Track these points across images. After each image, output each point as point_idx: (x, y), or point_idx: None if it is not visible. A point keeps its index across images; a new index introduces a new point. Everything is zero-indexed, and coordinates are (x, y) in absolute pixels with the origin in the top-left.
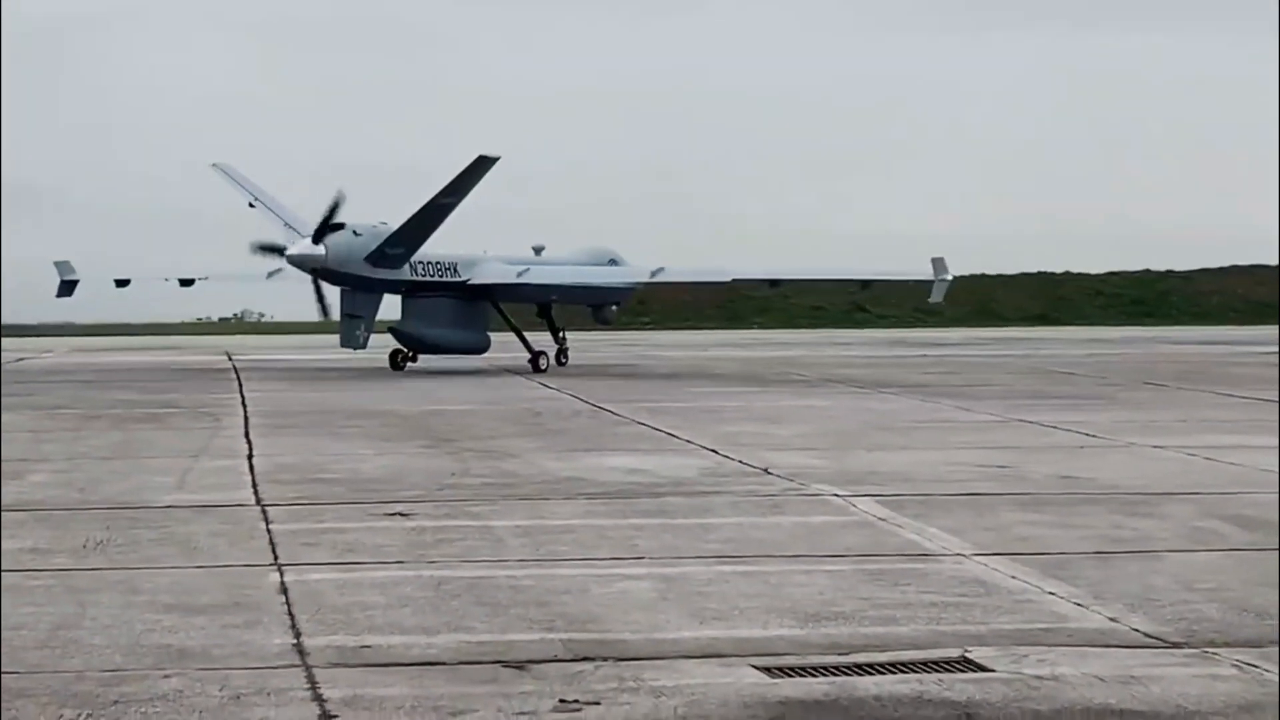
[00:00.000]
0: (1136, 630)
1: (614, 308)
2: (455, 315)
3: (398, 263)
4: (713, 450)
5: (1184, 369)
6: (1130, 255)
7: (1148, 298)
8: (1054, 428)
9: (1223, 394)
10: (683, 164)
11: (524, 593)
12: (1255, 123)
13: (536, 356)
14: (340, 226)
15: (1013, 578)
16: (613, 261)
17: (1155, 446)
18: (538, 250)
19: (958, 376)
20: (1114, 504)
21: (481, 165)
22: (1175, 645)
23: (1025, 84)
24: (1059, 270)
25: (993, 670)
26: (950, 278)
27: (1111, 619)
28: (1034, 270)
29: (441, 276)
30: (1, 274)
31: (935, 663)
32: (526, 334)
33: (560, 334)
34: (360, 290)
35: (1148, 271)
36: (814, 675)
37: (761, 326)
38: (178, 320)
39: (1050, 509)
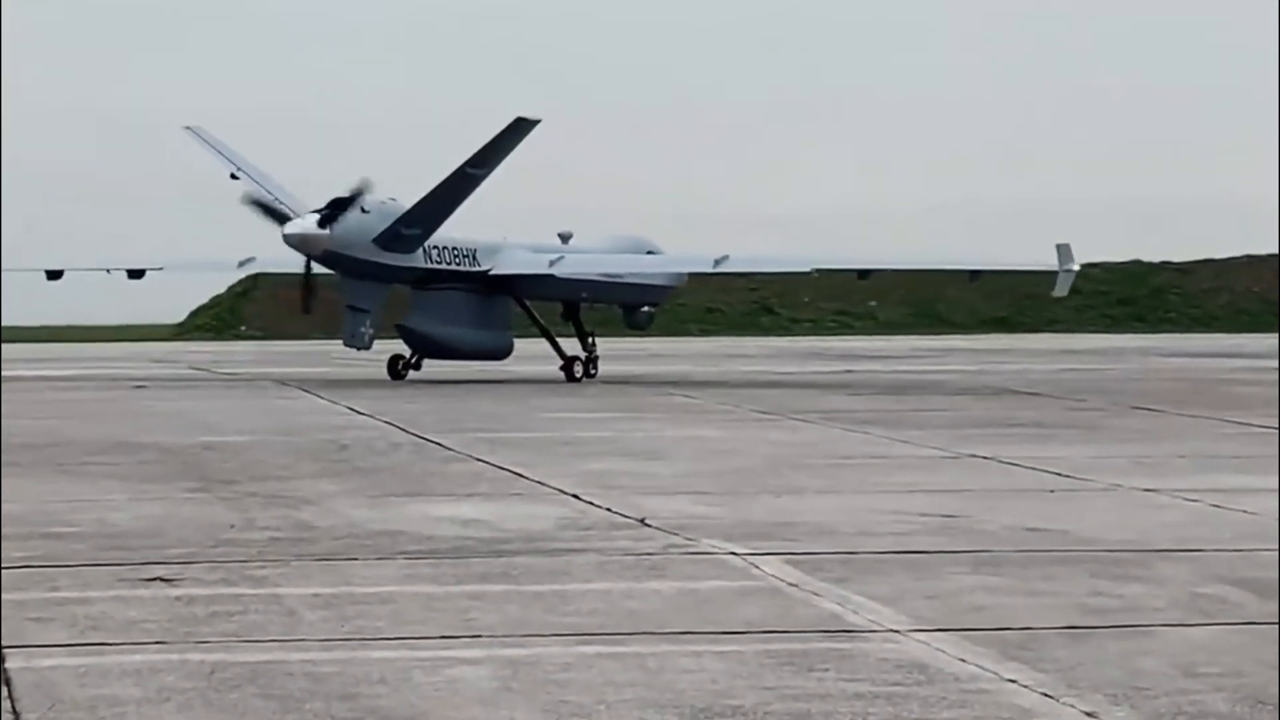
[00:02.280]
0: None
1: (651, 309)
2: (474, 312)
3: (412, 246)
4: (573, 495)
5: (1183, 389)
6: (1115, 241)
7: (1137, 296)
8: (1016, 465)
9: (1232, 421)
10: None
11: (325, 682)
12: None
13: (570, 363)
14: (346, 203)
15: (961, 660)
16: (650, 252)
17: (1146, 490)
18: (564, 238)
19: (893, 398)
20: (1093, 564)
21: (519, 128)
22: None
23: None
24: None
25: None
26: (1077, 267)
27: (1089, 713)
28: None
29: (458, 265)
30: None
31: None
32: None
33: (590, 339)
34: (367, 278)
35: (1137, 262)
36: None
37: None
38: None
39: (1011, 571)
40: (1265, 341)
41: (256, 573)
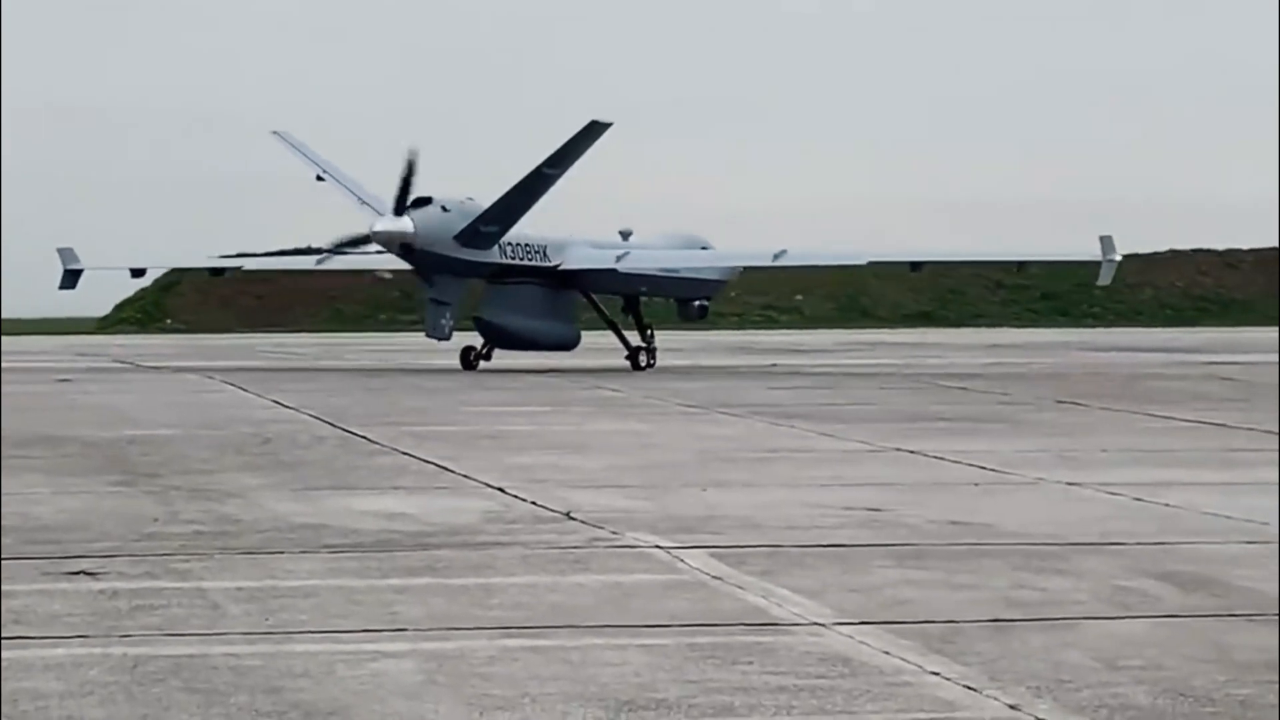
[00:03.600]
0: None
1: (705, 302)
2: (545, 305)
3: (489, 242)
4: (498, 488)
5: (1107, 383)
6: (1041, 234)
7: (1061, 291)
8: (941, 459)
9: (1156, 416)
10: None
11: (248, 676)
12: (1201, 62)
13: (636, 353)
14: (427, 201)
15: (886, 653)
16: (702, 248)
17: (1070, 484)
18: (625, 235)
19: (818, 393)
20: (1017, 557)
21: (592, 131)
22: None
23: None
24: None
25: None
26: (1119, 258)
27: (1012, 706)
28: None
29: (530, 260)
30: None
31: None
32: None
33: (649, 331)
34: (448, 273)
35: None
36: None
37: None
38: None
39: (936, 564)
40: (1192, 336)
41: (180, 566)
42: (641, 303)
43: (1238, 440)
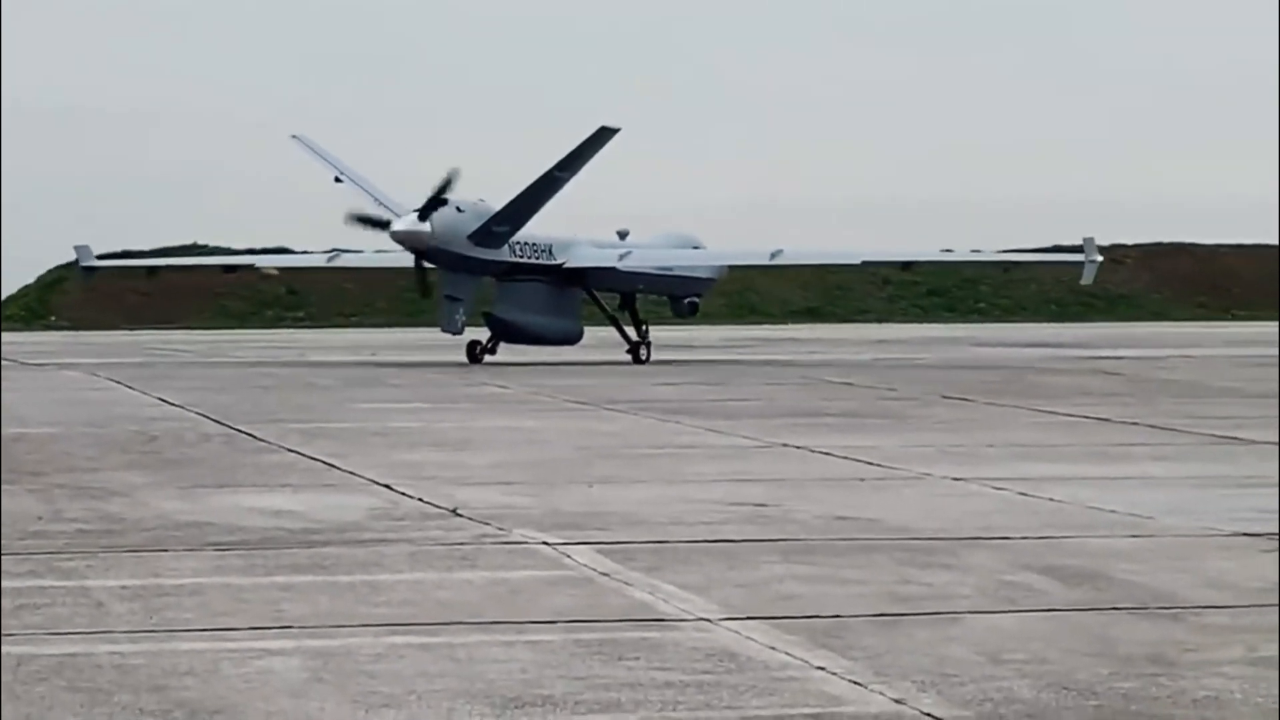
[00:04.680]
0: (928, 714)
1: (696, 299)
2: (551, 302)
3: (500, 242)
4: (385, 485)
5: (992, 379)
6: (926, 233)
7: (947, 287)
8: (828, 454)
9: (1041, 411)
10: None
11: (132, 674)
12: (1097, 63)
13: (636, 347)
14: (443, 203)
15: (771, 648)
16: (695, 247)
17: (955, 479)
18: (622, 235)
19: (704, 388)
20: (902, 552)
21: (602, 136)
22: None
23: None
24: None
25: None
26: (1100, 259)
27: (897, 700)
28: None
29: (538, 259)
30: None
31: None
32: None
33: (644, 327)
34: (462, 271)
35: (949, 252)
36: None
37: None
38: None
39: (821, 559)
40: (1076, 331)
41: (64, 564)
42: (637, 299)
43: (1121, 435)
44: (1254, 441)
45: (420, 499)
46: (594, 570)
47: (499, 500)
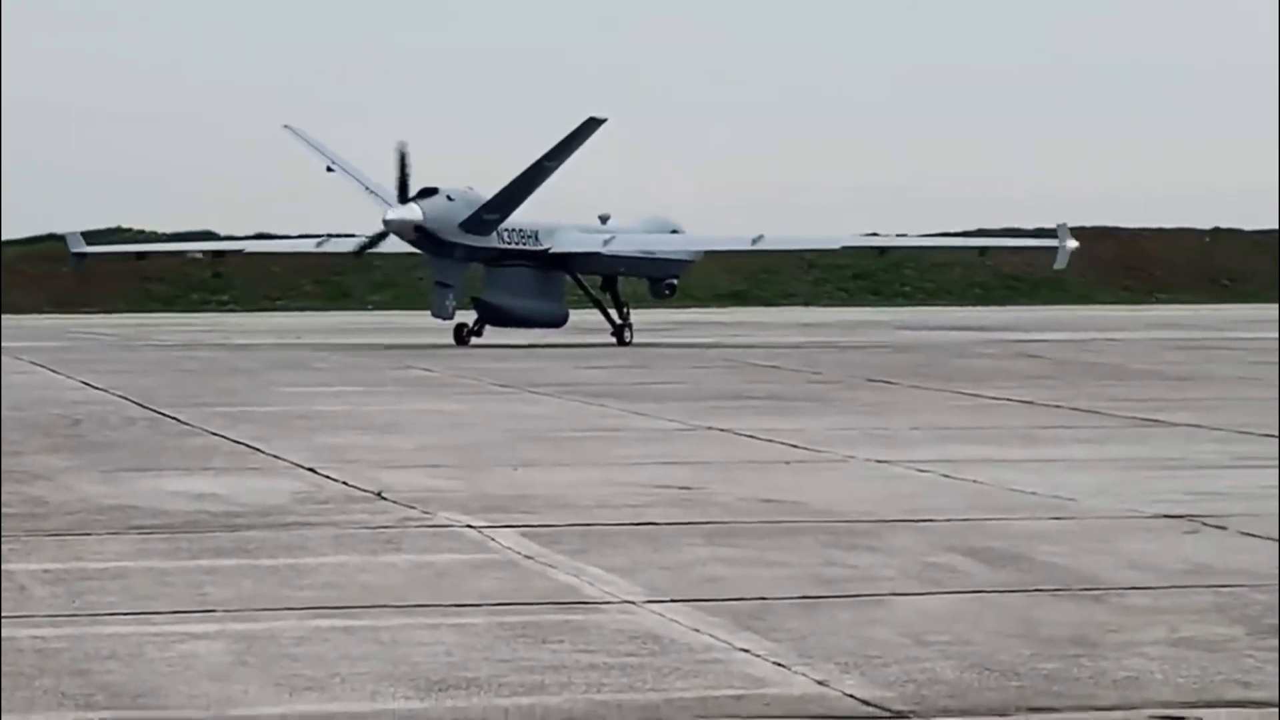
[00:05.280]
0: (851, 696)
1: (674, 280)
2: (537, 286)
3: (490, 229)
4: (309, 469)
5: (917, 361)
6: (852, 217)
7: (872, 271)
8: (752, 437)
9: (965, 394)
10: None
11: (54, 658)
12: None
13: (620, 329)
14: (434, 191)
15: (695, 631)
16: (674, 231)
17: (880, 461)
18: (604, 219)
19: (630, 372)
20: (827, 535)
21: (589, 127)
22: (899, 715)
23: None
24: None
25: None
26: (1075, 244)
27: (820, 682)
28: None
29: (525, 245)
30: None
31: None
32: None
33: (625, 309)
34: (453, 258)
35: (874, 235)
36: None
37: (378, 307)
38: None
39: (746, 542)
40: (1000, 314)
41: None
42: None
43: (1045, 417)
44: (1176, 424)
45: (345, 482)
46: (519, 553)
47: (424, 483)
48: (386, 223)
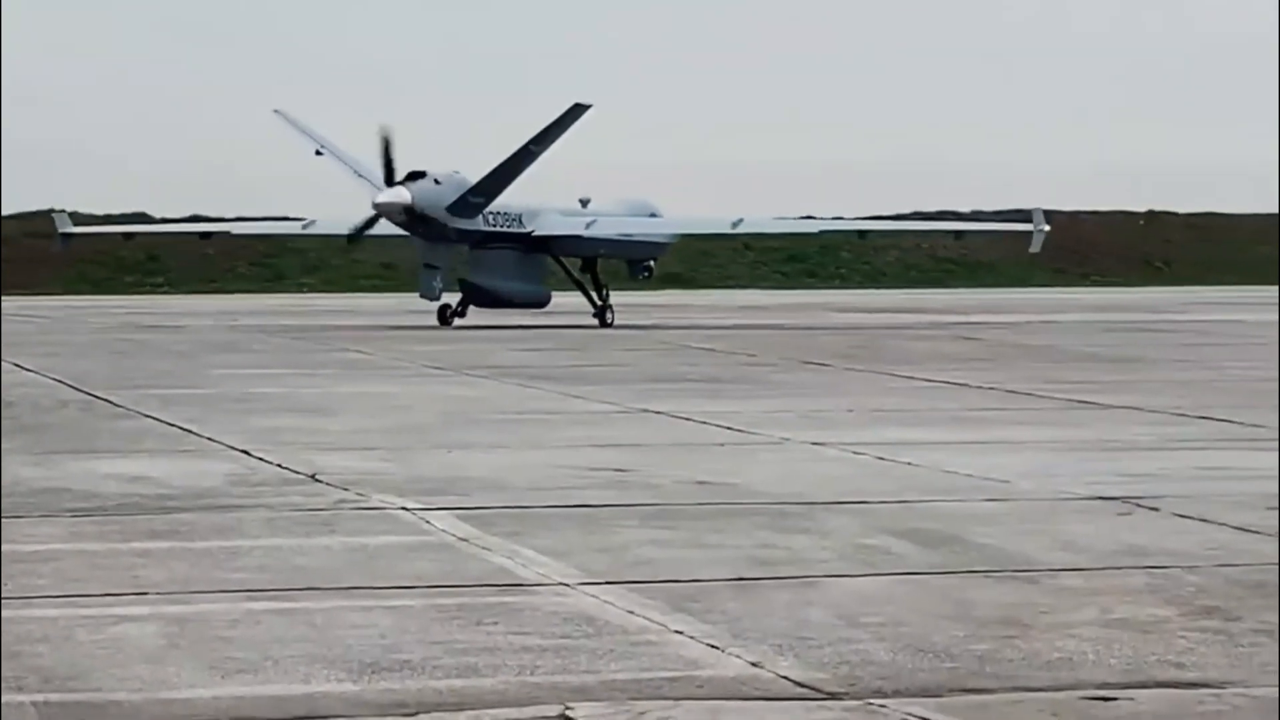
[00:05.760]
0: (785, 678)
1: (652, 263)
2: (521, 268)
3: (476, 212)
4: (243, 451)
5: (852, 344)
6: (785, 199)
7: (809, 253)
8: (688, 420)
9: (899, 376)
10: None
11: None
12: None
13: (602, 311)
14: (422, 175)
15: (630, 613)
16: (652, 214)
17: (815, 444)
18: (584, 203)
19: (566, 354)
20: (761, 517)
21: (574, 113)
22: (833, 696)
23: None
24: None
25: None
26: (1048, 228)
27: (754, 663)
28: None
29: (509, 227)
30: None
31: None
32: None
33: (604, 291)
34: (440, 240)
35: (809, 218)
36: None
37: (312, 289)
38: None
39: (681, 524)
40: (936, 298)
41: None
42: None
43: (979, 400)
44: (1109, 406)
45: (279, 465)
46: (453, 535)
47: (359, 466)
48: (376, 205)
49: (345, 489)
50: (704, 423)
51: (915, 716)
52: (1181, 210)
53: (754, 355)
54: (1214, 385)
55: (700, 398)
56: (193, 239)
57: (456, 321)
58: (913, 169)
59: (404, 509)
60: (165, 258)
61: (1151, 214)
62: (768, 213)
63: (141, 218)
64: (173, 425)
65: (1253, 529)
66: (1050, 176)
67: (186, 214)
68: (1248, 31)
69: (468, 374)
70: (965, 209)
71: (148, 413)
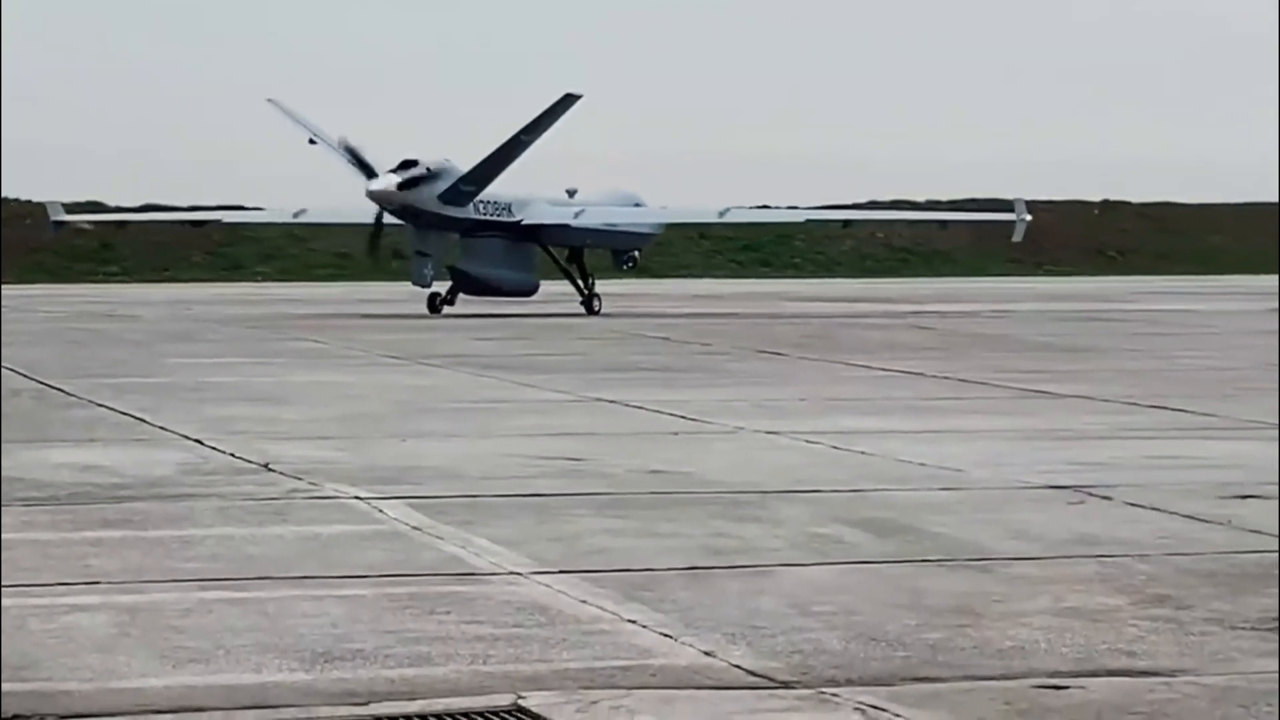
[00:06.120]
0: (738, 667)
1: (637, 253)
2: (510, 256)
3: (467, 200)
4: (196, 440)
5: (806, 333)
6: (741, 187)
7: (764, 243)
8: (641, 408)
9: (854, 365)
10: None
11: None
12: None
13: (589, 299)
14: (414, 164)
15: (583, 602)
16: (637, 204)
17: (769, 432)
18: (571, 193)
19: (520, 344)
20: (715, 506)
21: (565, 103)
22: (785, 685)
23: None
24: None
25: None
26: (1029, 218)
27: (707, 652)
28: None
29: (499, 216)
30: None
31: (480, 713)
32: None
33: (590, 279)
34: (432, 228)
35: (765, 208)
36: None
37: (267, 278)
38: None
39: (634, 513)
40: (886, 287)
41: None
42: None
43: (933, 389)
44: (1062, 395)
45: (232, 454)
46: (406, 525)
47: (312, 455)
48: (369, 194)
49: (298, 478)
50: (657, 412)
51: (867, 705)
52: (1136, 200)
53: (708, 344)
54: (1166, 375)
55: (654, 386)
56: (144, 227)
57: (445, 310)
58: (866, 159)
59: (357, 498)
60: (119, 246)
61: (1106, 204)
62: (707, 201)
63: (96, 206)
64: (126, 414)
65: (1204, 518)
66: (1005, 167)
67: (140, 203)
68: (1200, 19)
69: (422, 363)
70: (920, 199)
71: (101, 402)
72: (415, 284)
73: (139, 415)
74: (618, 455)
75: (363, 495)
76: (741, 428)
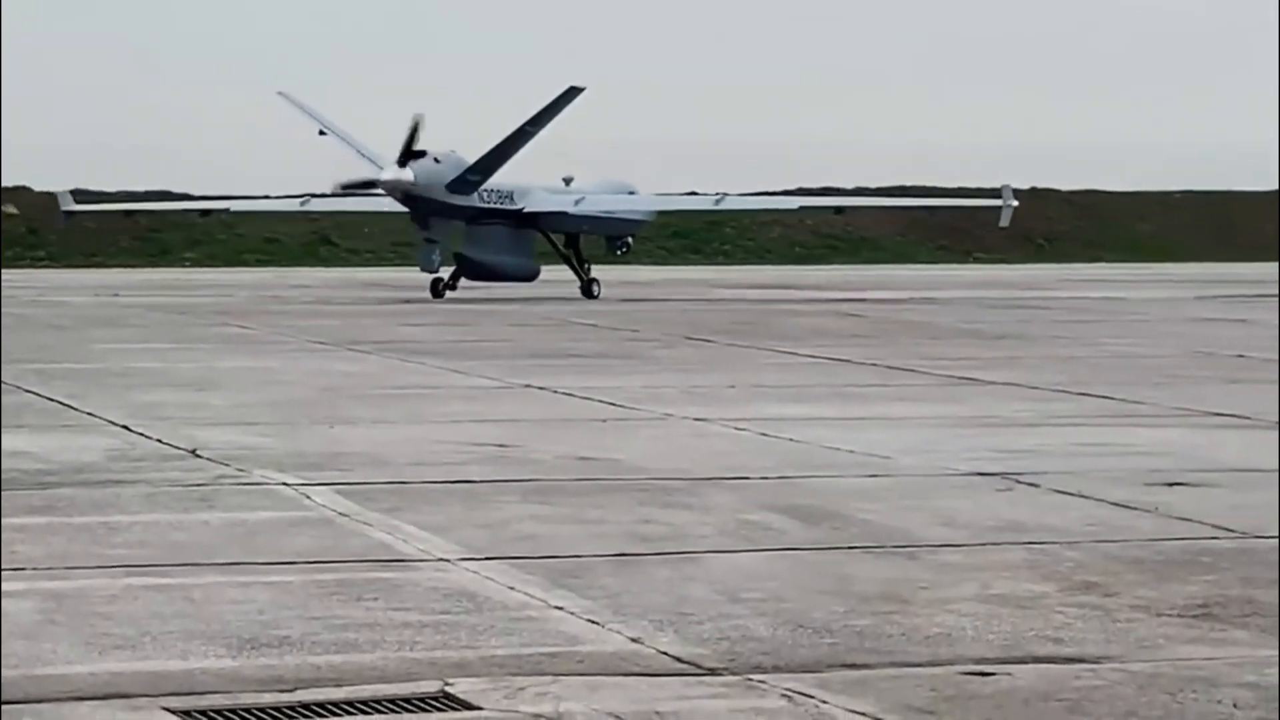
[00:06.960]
0: (665, 653)
1: (630, 239)
2: (512, 243)
3: (472, 189)
4: (123, 426)
5: (735, 320)
6: (668, 175)
7: (693, 229)
8: (569, 395)
9: (782, 352)
10: None
11: None
12: None
13: (589, 285)
14: (422, 154)
15: (510, 589)
16: (630, 192)
17: (697, 419)
18: (567, 181)
19: (449, 330)
20: (643, 492)
21: (569, 95)
22: (712, 671)
23: None
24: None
25: (480, 708)
26: (1015, 203)
27: (634, 639)
28: None
29: (502, 204)
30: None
31: (407, 700)
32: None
33: (586, 266)
34: (439, 216)
35: (693, 194)
36: (246, 718)
37: (195, 264)
38: None
39: (561, 500)
40: (815, 274)
41: None
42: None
43: (861, 375)
44: (990, 382)
45: (159, 440)
46: (334, 511)
47: (239, 441)
48: (381, 183)
49: (225, 464)
50: (586, 398)
51: (795, 692)
52: (1063, 188)
53: (637, 330)
54: (1093, 362)
55: (582, 373)
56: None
57: (448, 294)
58: (793, 145)
59: (284, 484)
60: (44, 231)
61: (1033, 191)
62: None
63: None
64: (52, 400)
65: (1131, 505)
66: (932, 154)
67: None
68: (1128, 5)
69: (350, 349)
70: (849, 185)
71: (27, 387)
72: (423, 269)
73: (66, 401)
74: (546, 442)
75: (290, 481)
76: (670, 414)
